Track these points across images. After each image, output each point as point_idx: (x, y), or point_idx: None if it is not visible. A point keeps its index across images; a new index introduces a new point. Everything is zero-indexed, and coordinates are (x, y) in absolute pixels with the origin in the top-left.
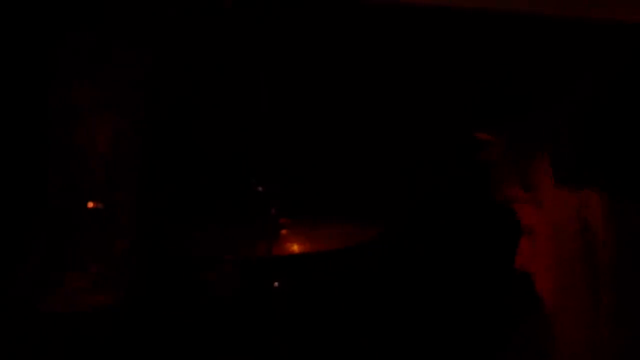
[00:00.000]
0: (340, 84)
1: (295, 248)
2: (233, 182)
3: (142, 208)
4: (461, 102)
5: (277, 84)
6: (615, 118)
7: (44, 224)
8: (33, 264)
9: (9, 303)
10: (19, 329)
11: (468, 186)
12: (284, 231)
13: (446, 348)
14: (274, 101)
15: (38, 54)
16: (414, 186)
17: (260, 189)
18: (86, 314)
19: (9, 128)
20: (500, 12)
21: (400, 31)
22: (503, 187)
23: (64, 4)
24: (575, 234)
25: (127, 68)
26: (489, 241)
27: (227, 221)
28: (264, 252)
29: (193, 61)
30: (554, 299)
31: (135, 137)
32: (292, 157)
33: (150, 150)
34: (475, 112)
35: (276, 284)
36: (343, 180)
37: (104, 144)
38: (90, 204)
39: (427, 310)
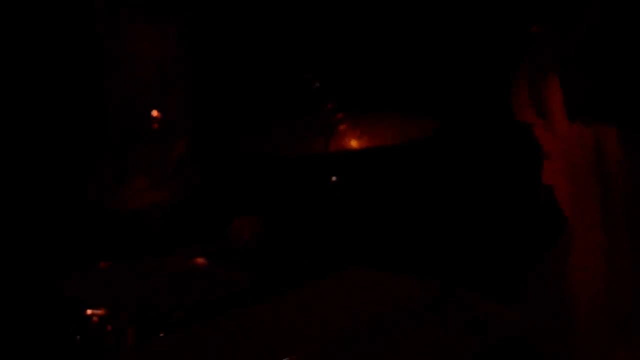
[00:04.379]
0: None
1: (353, 144)
2: (290, 78)
3: (197, 111)
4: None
5: None
6: (626, 49)
7: (107, 134)
8: (101, 170)
9: (83, 205)
10: (92, 226)
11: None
12: (341, 126)
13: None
14: None
15: None
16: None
17: (317, 84)
18: (147, 211)
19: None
20: None
21: None
22: (520, 111)
23: None
24: (591, 166)
25: None
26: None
27: (284, 117)
28: (321, 147)
29: None
30: (571, 211)
31: (184, 40)
32: (349, 51)
33: (202, 53)
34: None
35: (334, 178)
36: (399, 75)
37: (153, 53)
38: (152, 113)
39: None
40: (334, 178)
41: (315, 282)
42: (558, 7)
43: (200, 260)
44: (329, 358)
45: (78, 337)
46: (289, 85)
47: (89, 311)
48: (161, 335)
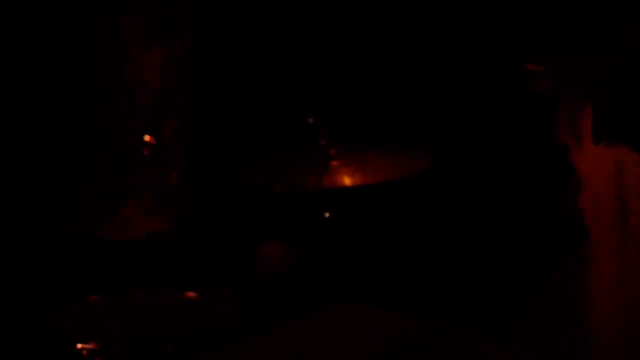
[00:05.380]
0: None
1: (346, 181)
2: (283, 113)
3: (194, 139)
4: (513, 33)
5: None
6: None
7: (101, 158)
8: (92, 196)
9: (73, 232)
10: (81, 254)
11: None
12: (334, 162)
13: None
14: (323, 31)
15: None
16: (466, 118)
17: (310, 119)
18: (141, 240)
19: (62, 66)
20: None
21: None
22: (559, 134)
23: None
24: (610, 187)
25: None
26: (541, 181)
27: (278, 152)
28: (315, 184)
29: None
30: (589, 245)
31: (184, 68)
32: (342, 86)
33: (201, 82)
34: (526, 44)
35: (327, 214)
36: (394, 111)
37: (152, 77)
38: (143, 137)
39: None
40: (327, 214)
41: (310, 317)
42: (600, 31)
43: (192, 293)
44: None
45: None
46: (283, 120)
47: (79, 345)
48: None
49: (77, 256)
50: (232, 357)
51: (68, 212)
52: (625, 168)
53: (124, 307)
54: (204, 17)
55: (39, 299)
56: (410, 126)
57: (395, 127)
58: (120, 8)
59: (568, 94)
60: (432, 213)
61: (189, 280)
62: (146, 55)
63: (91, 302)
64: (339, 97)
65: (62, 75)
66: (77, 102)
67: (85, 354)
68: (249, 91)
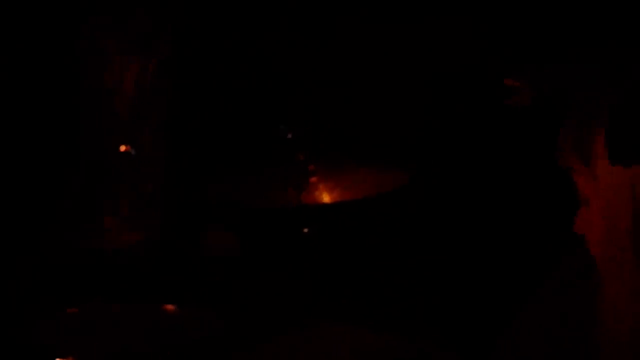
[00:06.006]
0: (367, 26)
1: (325, 198)
2: (262, 128)
3: (170, 151)
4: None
5: (303, 33)
6: None
7: (78, 167)
8: (70, 206)
9: (49, 241)
10: (58, 263)
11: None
12: (313, 178)
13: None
14: (301, 47)
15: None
16: (446, 133)
17: (289, 135)
18: (119, 250)
19: (39, 76)
20: None
21: None
22: (563, 157)
23: None
24: (626, 206)
25: (152, 10)
26: (543, 204)
27: (256, 168)
28: (293, 200)
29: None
30: (602, 266)
31: (161, 79)
32: (321, 102)
33: (178, 94)
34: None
35: (305, 230)
36: (373, 125)
37: (130, 87)
38: (120, 147)
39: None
40: (305, 230)
41: (289, 335)
42: (613, 55)
43: (170, 306)
44: None
45: None
46: (261, 135)
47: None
48: None
49: (53, 267)
50: None
51: (45, 222)
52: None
53: (101, 319)
54: (182, 26)
55: (15, 312)
56: (390, 141)
57: (374, 142)
58: (99, 17)
59: (574, 114)
60: (414, 229)
61: (167, 291)
62: (124, 65)
63: (70, 314)
64: (318, 112)
65: (40, 84)
66: (55, 111)
67: None
68: (227, 103)
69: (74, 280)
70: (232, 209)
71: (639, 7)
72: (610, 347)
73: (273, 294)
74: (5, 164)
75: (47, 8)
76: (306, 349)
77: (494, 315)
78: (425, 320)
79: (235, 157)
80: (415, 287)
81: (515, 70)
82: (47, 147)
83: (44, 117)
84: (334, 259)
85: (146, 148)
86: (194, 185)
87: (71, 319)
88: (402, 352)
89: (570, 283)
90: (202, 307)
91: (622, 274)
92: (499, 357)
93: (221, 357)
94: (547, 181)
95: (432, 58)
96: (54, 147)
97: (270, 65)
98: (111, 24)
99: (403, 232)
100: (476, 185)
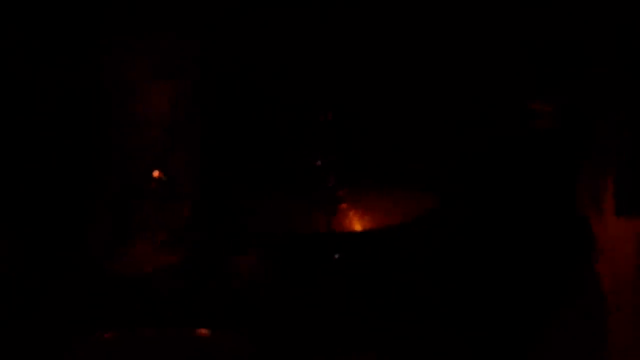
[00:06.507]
0: (396, 52)
1: (356, 225)
2: (291, 155)
3: (205, 175)
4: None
5: (335, 56)
6: None
7: (111, 194)
8: (101, 232)
9: (81, 267)
10: (92, 290)
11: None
12: (343, 205)
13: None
14: (332, 73)
15: (89, 27)
16: (475, 162)
17: (318, 162)
18: (151, 275)
19: (69, 107)
20: None
21: None
22: (581, 205)
23: None
24: (631, 258)
25: (180, 36)
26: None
27: (286, 194)
28: (323, 227)
29: (252, 30)
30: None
31: (193, 104)
32: (351, 129)
33: (210, 119)
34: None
35: (336, 256)
36: (402, 152)
37: (161, 113)
38: (153, 173)
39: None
40: (336, 256)
41: None
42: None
43: (203, 330)
44: None
45: None
46: (292, 162)
47: None
48: None
49: (87, 293)
50: None
51: (79, 248)
52: None
53: (135, 344)
54: (212, 50)
55: (50, 338)
56: (417, 169)
57: (402, 170)
58: (129, 43)
59: (591, 167)
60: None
61: (199, 316)
62: (154, 90)
63: (102, 339)
64: (348, 139)
65: (72, 110)
66: (86, 137)
67: None
68: (257, 129)
69: (108, 306)
70: (263, 234)
71: None
72: None
73: (304, 319)
74: (41, 192)
75: (71, 38)
76: None
77: (516, 347)
78: (451, 352)
79: (266, 183)
80: (441, 318)
81: (540, 95)
82: (79, 175)
83: (76, 145)
84: (365, 285)
85: (180, 173)
86: (227, 210)
87: (106, 344)
88: None
89: (581, 322)
90: (234, 331)
91: (627, 318)
92: None
93: None
94: (566, 227)
95: (463, 83)
96: (85, 174)
97: (301, 89)
98: (141, 49)
99: (430, 263)
100: (503, 223)
